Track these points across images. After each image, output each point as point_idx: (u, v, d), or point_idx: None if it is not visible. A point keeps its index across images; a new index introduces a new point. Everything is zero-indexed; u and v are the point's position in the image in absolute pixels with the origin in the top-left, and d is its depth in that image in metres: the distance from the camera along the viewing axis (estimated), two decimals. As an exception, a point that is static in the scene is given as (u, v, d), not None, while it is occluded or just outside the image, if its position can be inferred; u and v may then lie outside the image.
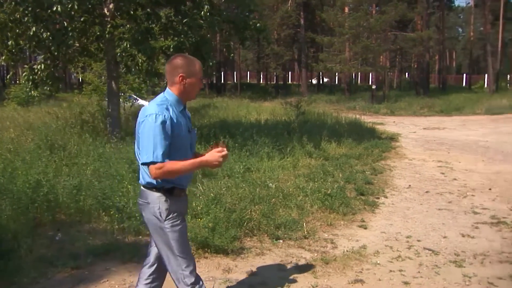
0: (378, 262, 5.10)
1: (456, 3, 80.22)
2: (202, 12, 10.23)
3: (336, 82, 56.85)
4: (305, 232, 5.86)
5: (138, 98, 17.65)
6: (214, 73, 39.69)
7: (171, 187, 3.14)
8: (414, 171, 10.31)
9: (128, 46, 10.07)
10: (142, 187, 3.20)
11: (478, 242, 5.84)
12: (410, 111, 26.89)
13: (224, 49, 23.77)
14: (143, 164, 3.04)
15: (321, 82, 52.47)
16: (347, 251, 5.37)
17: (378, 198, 7.86)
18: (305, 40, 41.30)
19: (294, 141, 11.07)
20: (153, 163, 2.96)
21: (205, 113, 18.83)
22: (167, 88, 3.21)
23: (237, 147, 9.58)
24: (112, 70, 11.18)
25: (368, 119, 19.39)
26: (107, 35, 10.29)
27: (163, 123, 2.97)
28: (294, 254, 5.27)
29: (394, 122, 21.75)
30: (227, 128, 11.95)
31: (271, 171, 8.68)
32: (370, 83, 42.97)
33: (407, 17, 35.22)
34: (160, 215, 3.10)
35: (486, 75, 50.00)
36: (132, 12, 10.66)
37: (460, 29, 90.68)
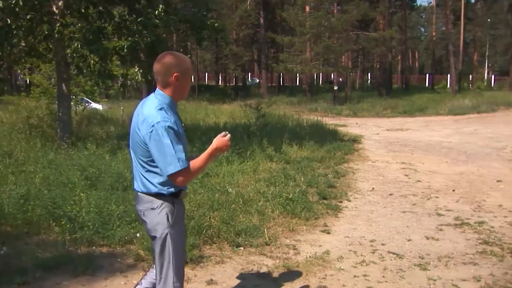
0: (342, 267, 5.16)
1: (418, 3, 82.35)
2: (157, 11, 10.15)
3: (297, 83, 57.36)
4: (267, 239, 5.87)
5: (90, 101, 17.36)
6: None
7: (178, 191, 3.15)
8: (377, 174, 10.50)
9: (79, 46, 9.90)
10: (142, 194, 3.16)
11: (442, 244, 5.99)
12: (373, 112, 27.38)
13: (181, 50, 23.69)
14: (171, 175, 2.98)
15: (281, 83, 52.83)
16: (310, 257, 5.42)
17: (341, 201, 7.96)
18: (265, 40, 41.53)
19: (254, 145, 11.11)
20: (181, 170, 2.96)
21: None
22: (157, 89, 3.16)
23: (195, 151, 9.53)
24: (62, 72, 10.95)
25: (330, 121, 19.66)
26: (56, 35, 10.07)
27: (172, 128, 2.96)
28: (255, 261, 5.29)
29: (356, 123, 22.11)
30: (185, 132, 11.88)
31: (230, 175, 8.69)
32: (332, 83, 43.54)
33: (369, 17, 35.90)
34: (168, 220, 3.11)
35: (448, 75, 51.37)
36: (83, 10, 10.45)
37: (422, 29, 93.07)
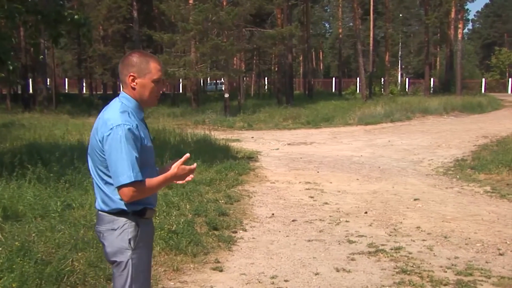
0: (238, 311, 5.20)
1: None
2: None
3: (181, 91, 57.30)
4: (145, 282, 5.78)
5: None
6: (18, 80, 37.86)
7: (142, 209, 3.32)
8: (277, 196, 10.72)
9: None
10: (103, 213, 3.33)
11: (355, 276, 6.22)
12: (272, 124, 27.88)
13: (32, 49, 22.90)
14: (121, 186, 3.13)
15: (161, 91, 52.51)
16: (198, 301, 5.41)
17: (235, 232, 8.03)
18: (139, 38, 41.20)
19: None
20: (133, 183, 3.10)
21: (6, 134, 17.86)
22: (121, 92, 3.40)
23: (52, 177, 9.22)
24: None
25: (220, 135, 19.83)
26: None
27: (133, 133, 3.17)
28: (131, 311, 5.18)
29: (252, 137, 22.45)
30: (39, 153, 11.45)
31: (99, 206, 8.49)
32: (221, 90, 43.97)
33: (265, 10, 36.78)
34: (130, 243, 3.26)
35: (358, 78, 53.76)
36: None
37: (327, 25, 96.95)
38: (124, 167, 3.10)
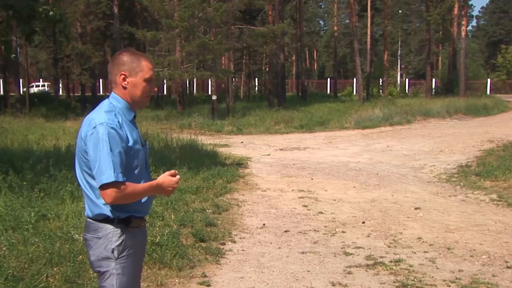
0: (226, 329, 5.18)
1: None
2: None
3: (165, 93, 57.26)
4: (127, 299, 5.75)
5: None
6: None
7: (127, 217, 3.38)
8: (269, 206, 10.71)
9: None
10: (89, 220, 3.42)
11: (352, 291, 6.21)
12: (262, 128, 27.89)
13: (2, 47, 22.78)
14: (102, 186, 3.20)
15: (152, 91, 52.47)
16: (184, 319, 5.39)
17: (223, 243, 8.01)
18: (120, 36, 41.17)
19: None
20: (115, 183, 3.18)
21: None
22: (112, 93, 3.49)
23: (25, 186, 9.17)
24: None
25: (208, 140, 19.82)
26: None
27: (117, 132, 3.26)
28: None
29: (242, 142, 22.50)
30: (10, 160, 11.40)
31: (76, 217, 8.42)
32: (209, 92, 43.96)
33: (255, 6, 36.78)
34: (113, 253, 3.33)
35: (354, 79, 53.91)
36: None
37: (322, 22, 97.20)
38: (106, 166, 3.18)
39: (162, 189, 3.50)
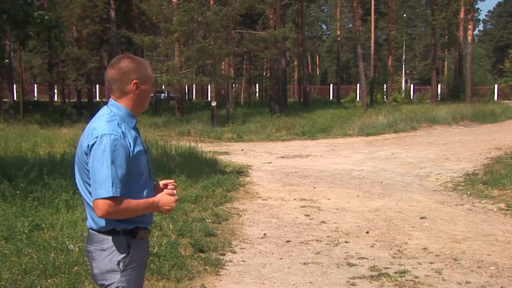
0: None
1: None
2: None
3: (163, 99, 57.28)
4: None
5: None
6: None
7: (133, 228, 3.37)
8: (270, 215, 10.70)
9: None
10: (92, 231, 3.39)
11: (355, 303, 6.19)
12: (263, 135, 27.93)
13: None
14: (97, 202, 3.18)
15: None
16: (182, 332, 5.37)
17: (223, 254, 7.99)
18: (118, 40, 41.24)
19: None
20: (111, 198, 3.16)
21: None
22: (110, 100, 3.44)
23: (19, 195, 9.16)
24: None
25: (207, 148, 19.80)
26: None
27: (121, 144, 3.23)
28: None
29: (242, 150, 22.54)
30: (3, 168, 11.39)
31: (72, 226, 8.41)
32: (209, 98, 43.99)
33: (256, 10, 36.83)
34: (118, 265, 3.32)
35: (358, 85, 53.92)
36: None
37: (324, 26, 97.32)
38: (105, 180, 3.16)
39: (158, 208, 3.44)
